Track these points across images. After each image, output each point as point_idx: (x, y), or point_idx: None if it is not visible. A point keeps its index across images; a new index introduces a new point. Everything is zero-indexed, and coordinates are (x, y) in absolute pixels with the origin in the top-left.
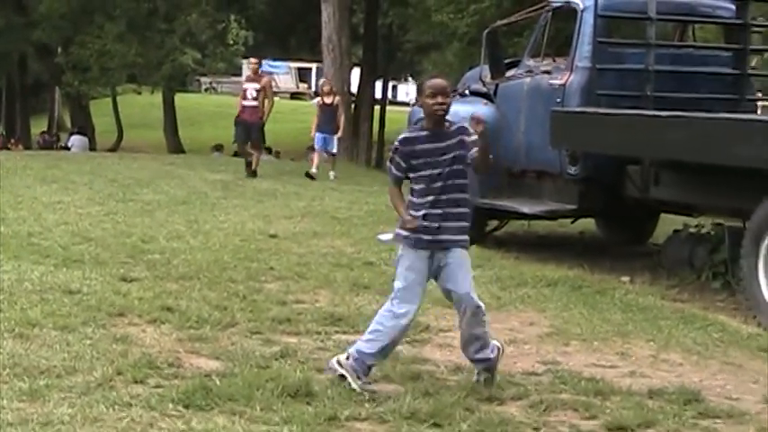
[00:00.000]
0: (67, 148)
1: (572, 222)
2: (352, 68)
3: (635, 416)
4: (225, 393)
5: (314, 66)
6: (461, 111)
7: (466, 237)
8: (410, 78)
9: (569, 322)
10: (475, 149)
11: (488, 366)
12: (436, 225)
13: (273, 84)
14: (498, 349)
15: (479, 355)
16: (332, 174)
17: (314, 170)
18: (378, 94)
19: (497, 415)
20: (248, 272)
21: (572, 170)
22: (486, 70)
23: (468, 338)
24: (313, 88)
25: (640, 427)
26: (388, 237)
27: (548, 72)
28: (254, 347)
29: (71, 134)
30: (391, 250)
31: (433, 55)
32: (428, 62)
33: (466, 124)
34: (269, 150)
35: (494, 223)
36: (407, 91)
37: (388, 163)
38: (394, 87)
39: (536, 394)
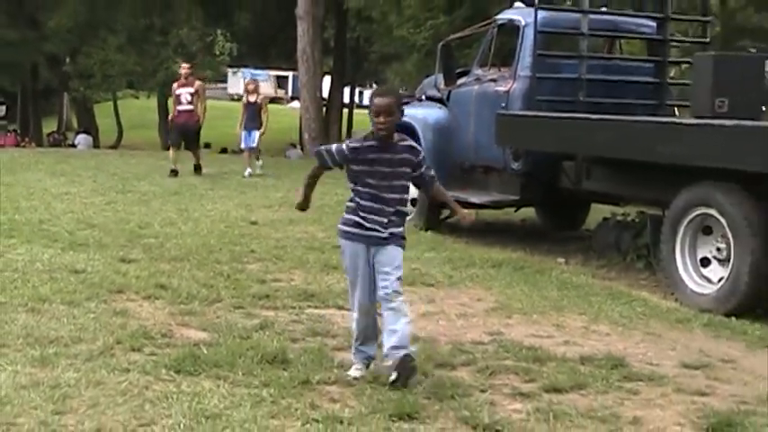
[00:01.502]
0: (74, 146)
1: (515, 211)
2: (323, 76)
3: (569, 379)
4: (211, 360)
5: (290, 74)
6: (419, 113)
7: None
8: (375, 85)
9: (512, 298)
10: (425, 172)
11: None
12: (384, 232)
13: (263, 96)
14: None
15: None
16: (256, 165)
17: (249, 171)
18: (346, 99)
19: (449, 379)
20: (232, 254)
21: (515, 165)
22: (440, 78)
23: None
24: (290, 94)
25: (573, 389)
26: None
27: (494, 80)
28: (237, 320)
29: (77, 133)
30: None
31: (395, 65)
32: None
33: (412, 143)
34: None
35: (446, 212)
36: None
37: (322, 149)
38: (360, 93)
39: (483, 361)
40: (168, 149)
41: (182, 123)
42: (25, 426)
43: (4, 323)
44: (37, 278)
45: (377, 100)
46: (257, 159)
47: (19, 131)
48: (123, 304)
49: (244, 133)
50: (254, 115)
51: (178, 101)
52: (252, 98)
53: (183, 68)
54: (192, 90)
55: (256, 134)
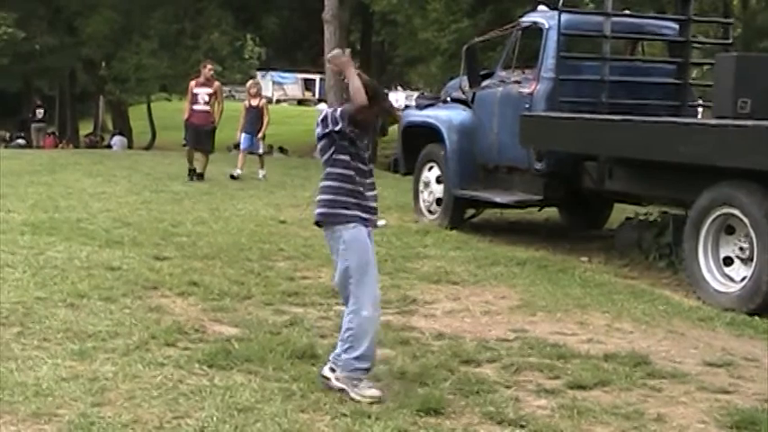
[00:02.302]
0: (110, 147)
1: (538, 210)
2: None
3: (592, 376)
4: (242, 355)
5: (317, 77)
6: (444, 115)
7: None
8: (400, 87)
9: (536, 296)
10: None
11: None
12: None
13: (265, 100)
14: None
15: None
16: (261, 173)
17: (238, 171)
18: None
19: (474, 375)
20: (262, 252)
21: (538, 166)
22: (464, 81)
23: None
24: (317, 96)
25: (597, 386)
26: (381, 222)
27: (518, 82)
28: (267, 316)
29: (113, 135)
30: (383, 234)
31: (419, 67)
32: (415, 73)
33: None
34: (280, 149)
35: (471, 211)
36: (397, 98)
37: (338, 110)
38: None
39: (507, 357)
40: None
41: (196, 124)
42: (66, 417)
43: (45, 318)
44: (75, 275)
45: (389, 101)
46: (262, 167)
47: (57, 133)
48: (158, 300)
49: (244, 136)
50: (255, 119)
51: (195, 100)
52: (254, 102)
53: (206, 68)
54: (210, 91)
55: (259, 141)
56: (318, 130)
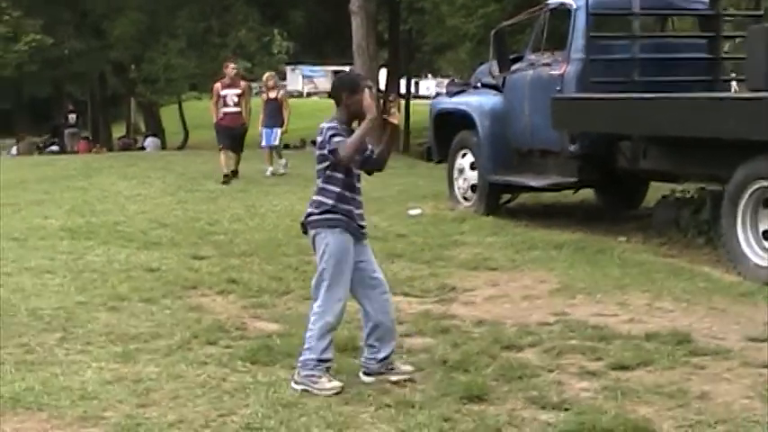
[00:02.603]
0: (143, 149)
1: (573, 193)
2: (379, 69)
3: (634, 356)
4: (284, 351)
5: (347, 69)
6: (475, 101)
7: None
8: (429, 75)
9: (575, 279)
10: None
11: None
12: (358, 214)
13: (284, 92)
14: None
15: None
16: (279, 164)
17: (270, 169)
18: (402, 90)
19: (516, 360)
20: (299, 247)
21: (572, 148)
22: (494, 65)
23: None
24: None
25: (640, 366)
26: (416, 211)
27: (548, 64)
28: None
29: (145, 136)
30: (419, 223)
31: (448, 54)
32: (444, 60)
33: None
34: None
35: (506, 196)
36: (428, 86)
37: (333, 140)
38: (416, 84)
39: (549, 341)
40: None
41: (227, 126)
42: (112, 419)
43: (87, 322)
44: (115, 278)
45: (366, 83)
46: (280, 158)
47: (90, 137)
48: (197, 300)
49: (265, 131)
50: (274, 112)
51: (224, 103)
52: (272, 94)
53: (230, 68)
54: (238, 91)
55: (278, 131)
56: (317, 146)
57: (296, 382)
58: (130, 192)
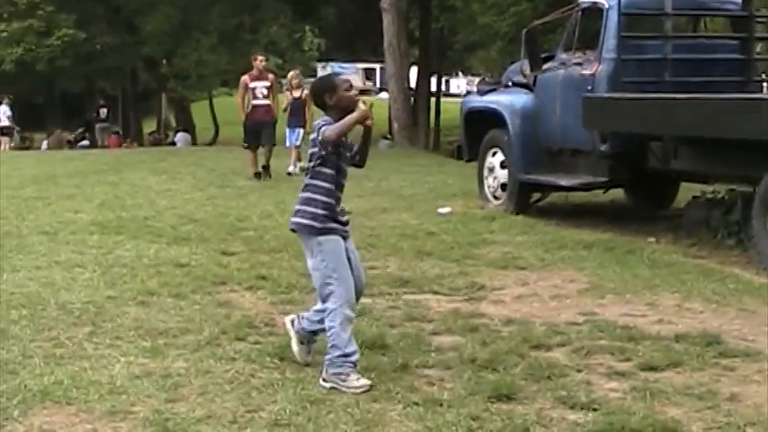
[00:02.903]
0: (173, 144)
1: (604, 192)
2: (410, 67)
3: (664, 357)
4: (313, 347)
5: (377, 66)
6: (506, 100)
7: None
8: (460, 73)
9: (604, 278)
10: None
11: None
12: (342, 214)
13: (308, 92)
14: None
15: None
16: (291, 168)
17: (291, 168)
18: (433, 88)
19: (545, 360)
20: None
21: (602, 147)
22: (525, 64)
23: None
24: (378, 85)
25: (669, 367)
26: (446, 210)
27: (579, 64)
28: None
29: (176, 132)
30: (449, 221)
31: (479, 53)
32: (475, 59)
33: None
34: None
35: (536, 195)
36: (458, 84)
37: (318, 144)
38: (447, 82)
39: (578, 341)
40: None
41: (258, 120)
42: (140, 414)
43: (117, 316)
44: (144, 272)
45: (341, 77)
46: (299, 159)
47: (121, 132)
48: (226, 295)
49: (288, 131)
50: (297, 112)
51: (253, 95)
52: (296, 93)
53: (259, 60)
54: (267, 84)
55: (300, 132)
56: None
57: (324, 380)
58: (160, 187)
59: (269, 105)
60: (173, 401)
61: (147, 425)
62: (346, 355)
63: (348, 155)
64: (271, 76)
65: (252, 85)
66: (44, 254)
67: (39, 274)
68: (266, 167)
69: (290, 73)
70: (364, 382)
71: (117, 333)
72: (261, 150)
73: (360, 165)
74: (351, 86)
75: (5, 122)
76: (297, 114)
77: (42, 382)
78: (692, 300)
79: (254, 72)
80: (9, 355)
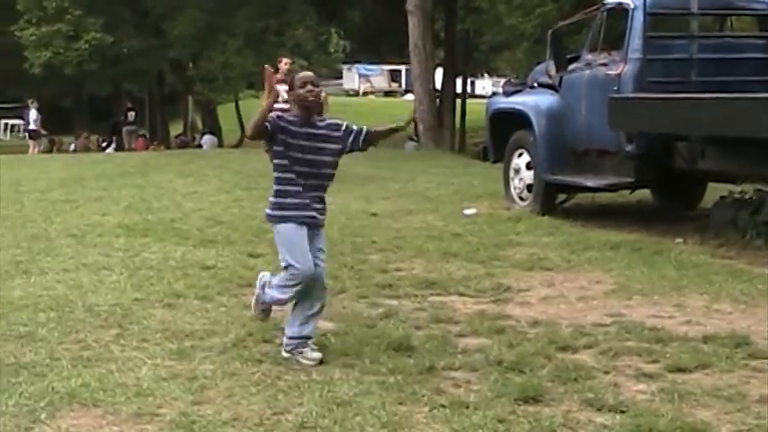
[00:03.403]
0: (200, 147)
1: (630, 193)
2: (435, 68)
3: (692, 359)
4: (339, 349)
5: (403, 67)
6: (531, 100)
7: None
8: (486, 75)
9: (631, 279)
10: (354, 131)
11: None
12: (307, 204)
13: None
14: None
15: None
16: None
17: None
18: (458, 90)
19: (572, 362)
20: (354, 245)
21: (628, 148)
22: (551, 65)
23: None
24: (403, 87)
25: (697, 369)
26: (472, 211)
27: (604, 64)
28: (362, 309)
29: (202, 134)
30: (475, 223)
31: (505, 54)
32: (500, 60)
33: (338, 120)
34: None
35: (562, 196)
36: (484, 86)
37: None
38: (472, 83)
39: (605, 343)
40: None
41: None
42: (167, 416)
43: (143, 319)
44: (171, 275)
45: (302, 74)
46: None
47: (148, 135)
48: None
49: None
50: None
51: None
52: None
53: (283, 63)
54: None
55: None
56: None
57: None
58: (187, 189)
59: (289, 110)
60: (199, 404)
61: (174, 427)
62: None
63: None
64: None
65: (277, 87)
66: (71, 256)
67: (66, 277)
68: None
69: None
70: (316, 355)
71: (144, 335)
72: None
73: (362, 149)
74: (305, 83)
75: (34, 126)
76: None
77: (70, 384)
78: (721, 301)
79: (279, 75)
80: (37, 357)
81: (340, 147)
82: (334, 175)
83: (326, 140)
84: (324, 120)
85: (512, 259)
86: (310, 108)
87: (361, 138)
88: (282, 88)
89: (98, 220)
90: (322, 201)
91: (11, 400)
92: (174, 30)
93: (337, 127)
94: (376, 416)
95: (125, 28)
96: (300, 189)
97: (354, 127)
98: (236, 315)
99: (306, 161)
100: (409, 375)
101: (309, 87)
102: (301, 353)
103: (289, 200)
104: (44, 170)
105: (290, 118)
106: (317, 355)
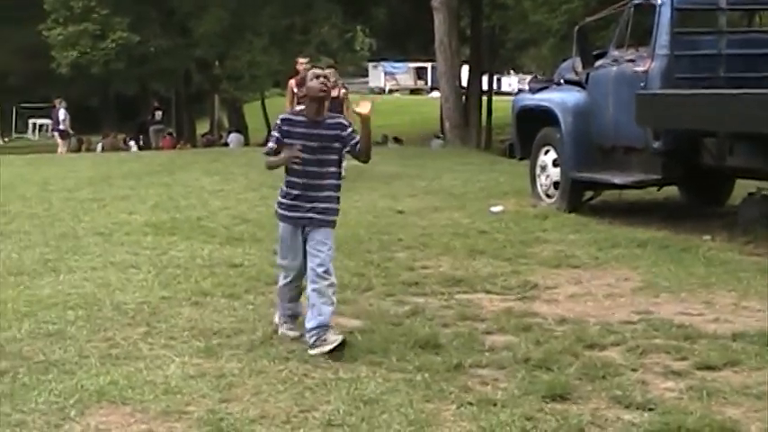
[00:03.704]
0: (226, 145)
1: (657, 190)
2: (461, 65)
3: (721, 356)
4: (366, 347)
5: (429, 65)
6: (557, 97)
7: (333, 218)
8: (512, 72)
9: (659, 277)
10: (356, 139)
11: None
12: (307, 206)
13: (345, 90)
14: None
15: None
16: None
17: None
18: (484, 87)
19: (599, 359)
20: (381, 243)
21: (656, 144)
22: (577, 61)
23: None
24: (429, 84)
25: (726, 366)
26: (498, 208)
27: (632, 60)
28: (389, 307)
29: (229, 133)
30: (501, 220)
31: (531, 50)
32: (526, 57)
33: (343, 120)
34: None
35: (589, 193)
36: (510, 83)
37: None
38: (498, 80)
39: (632, 340)
40: None
41: None
42: (195, 414)
43: (170, 317)
44: (198, 273)
45: (314, 70)
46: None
47: (174, 134)
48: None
49: None
50: (334, 113)
51: (297, 101)
52: (333, 93)
53: (299, 63)
54: None
55: None
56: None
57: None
58: (214, 188)
59: None
60: (227, 401)
61: (202, 425)
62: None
63: (341, 147)
64: None
65: (296, 89)
66: (99, 255)
67: (94, 275)
68: None
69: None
70: (293, 333)
71: (171, 333)
72: None
73: (364, 160)
74: (317, 75)
75: (63, 126)
76: None
77: (98, 381)
78: (749, 298)
79: (299, 78)
80: (66, 355)
81: (343, 147)
82: (340, 173)
83: (334, 140)
84: (334, 117)
85: (538, 256)
86: (320, 101)
87: (357, 148)
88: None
89: (125, 219)
90: (329, 200)
91: (40, 398)
92: (199, 28)
93: (344, 127)
94: (403, 413)
95: (151, 27)
96: (301, 189)
97: (357, 137)
98: (263, 313)
99: (312, 161)
100: (436, 373)
101: (321, 80)
102: (325, 340)
103: (286, 200)
104: (72, 169)
105: (296, 119)
106: (336, 338)
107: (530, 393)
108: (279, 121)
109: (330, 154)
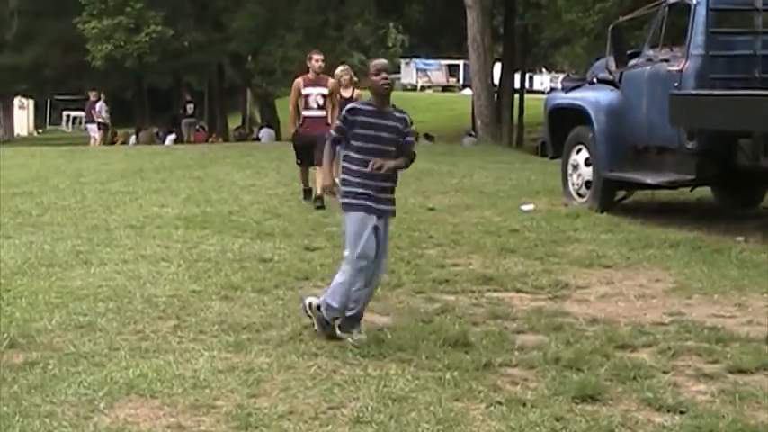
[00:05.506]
0: (258, 140)
1: (690, 191)
2: (494, 63)
3: (753, 360)
4: (395, 344)
5: (461, 62)
6: (591, 96)
7: (393, 207)
8: (544, 70)
9: (691, 278)
10: (410, 140)
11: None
12: (371, 192)
13: (359, 91)
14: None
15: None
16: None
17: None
18: (516, 85)
19: (630, 360)
20: (411, 240)
21: (689, 145)
22: (611, 61)
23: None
24: (461, 82)
25: (759, 370)
26: (529, 207)
27: (666, 60)
28: (419, 305)
29: (261, 127)
30: (532, 219)
31: (564, 49)
32: (560, 55)
33: (407, 116)
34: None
35: (621, 193)
36: (542, 81)
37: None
38: (530, 78)
39: (664, 342)
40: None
41: (309, 135)
42: (223, 408)
43: (200, 311)
44: (228, 267)
45: (377, 61)
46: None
47: (206, 128)
48: (310, 291)
49: None
50: None
51: (306, 104)
52: (346, 93)
53: (314, 60)
54: (324, 91)
55: None
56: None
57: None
58: (245, 182)
59: (323, 118)
60: (255, 396)
61: (230, 420)
62: (328, 308)
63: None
64: (331, 80)
65: (305, 91)
66: (131, 248)
67: (125, 268)
68: (319, 198)
69: (338, 69)
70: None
71: (201, 327)
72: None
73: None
74: (378, 71)
75: (101, 119)
76: None
77: (128, 374)
78: None
79: (310, 75)
80: (96, 347)
81: (401, 139)
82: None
83: (396, 132)
84: (399, 111)
85: (570, 256)
86: (385, 96)
87: (407, 147)
88: (316, 91)
89: (157, 212)
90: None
91: (70, 389)
92: (234, 23)
93: (406, 123)
94: (432, 412)
95: (185, 21)
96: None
97: (411, 137)
98: (292, 308)
99: (376, 150)
100: (466, 371)
101: (384, 75)
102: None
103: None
104: (105, 162)
105: (365, 108)
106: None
107: (560, 394)
108: (345, 111)
109: (392, 145)
